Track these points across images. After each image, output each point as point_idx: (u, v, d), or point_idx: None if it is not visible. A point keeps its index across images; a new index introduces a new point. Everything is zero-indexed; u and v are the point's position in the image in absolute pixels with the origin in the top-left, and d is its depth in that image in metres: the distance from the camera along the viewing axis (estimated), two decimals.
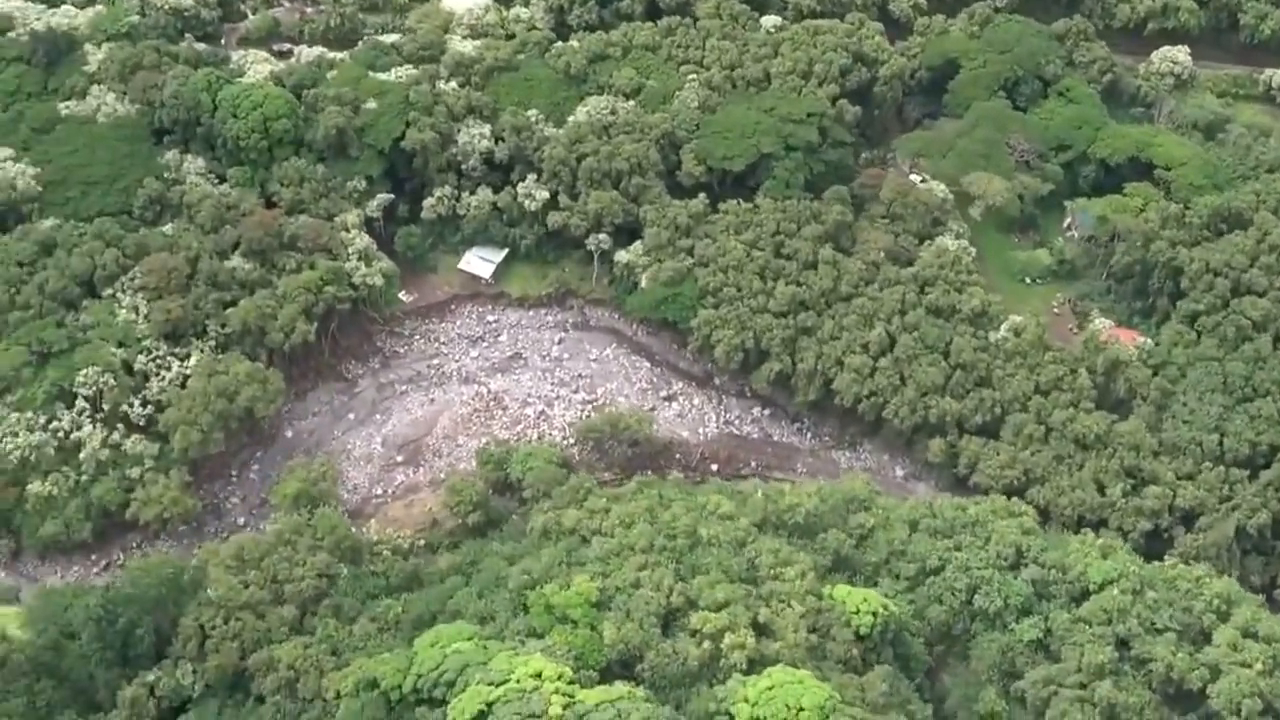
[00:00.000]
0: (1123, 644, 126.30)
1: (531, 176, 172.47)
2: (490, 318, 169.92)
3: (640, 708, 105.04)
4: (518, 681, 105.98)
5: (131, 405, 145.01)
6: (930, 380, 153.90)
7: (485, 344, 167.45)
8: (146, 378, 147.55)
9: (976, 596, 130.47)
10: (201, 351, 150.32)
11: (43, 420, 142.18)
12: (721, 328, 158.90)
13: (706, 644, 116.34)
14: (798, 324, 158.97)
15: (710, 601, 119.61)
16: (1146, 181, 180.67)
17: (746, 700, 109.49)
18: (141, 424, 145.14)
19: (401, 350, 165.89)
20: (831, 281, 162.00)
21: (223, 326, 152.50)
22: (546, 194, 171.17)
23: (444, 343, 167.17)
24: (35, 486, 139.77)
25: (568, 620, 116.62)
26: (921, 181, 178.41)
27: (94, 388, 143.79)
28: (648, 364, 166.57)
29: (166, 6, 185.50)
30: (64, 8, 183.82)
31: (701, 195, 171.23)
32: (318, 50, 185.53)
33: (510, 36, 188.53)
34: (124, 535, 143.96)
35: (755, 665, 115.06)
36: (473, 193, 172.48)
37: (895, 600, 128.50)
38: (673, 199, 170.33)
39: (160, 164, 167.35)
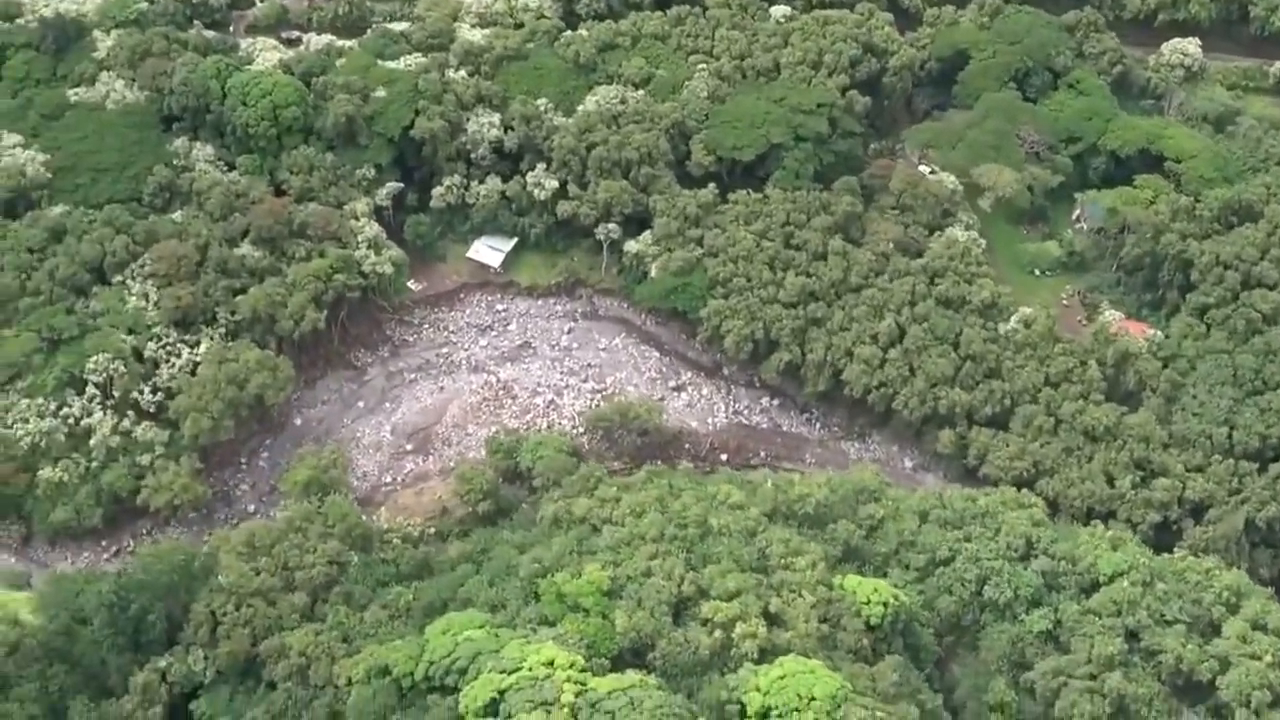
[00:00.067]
0: (1132, 636, 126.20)
1: (541, 166, 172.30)
2: (499, 307, 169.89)
3: (652, 696, 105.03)
4: (530, 669, 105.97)
5: (142, 392, 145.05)
6: (940, 371, 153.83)
7: (494, 333, 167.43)
8: (156, 365, 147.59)
9: (986, 587, 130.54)
10: (211, 339, 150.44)
11: (53, 407, 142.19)
12: (731, 318, 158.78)
13: (718, 633, 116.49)
14: (807, 314, 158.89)
15: (721, 591, 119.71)
16: (1156, 174, 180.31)
17: (758, 689, 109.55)
18: (152, 411, 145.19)
19: (411, 339, 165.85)
20: (841, 272, 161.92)
21: (232, 314, 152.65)
22: (556, 183, 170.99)
23: (453, 331, 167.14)
24: (46, 473, 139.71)
25: (579, 608, 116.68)
26: (931, 173, 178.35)
27: (104, 374, 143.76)
28: (657, 354, 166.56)
29: None
30: None
31: (711, 185, 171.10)
32: (326, 38, 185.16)
33: (519, 25, 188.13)
34: (134, 522, 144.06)
35: (766, 654, 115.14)
36: (482, 181, 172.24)
37: (905, 591, 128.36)
38: (682, 189, 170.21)
39: (169, 151, 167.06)
